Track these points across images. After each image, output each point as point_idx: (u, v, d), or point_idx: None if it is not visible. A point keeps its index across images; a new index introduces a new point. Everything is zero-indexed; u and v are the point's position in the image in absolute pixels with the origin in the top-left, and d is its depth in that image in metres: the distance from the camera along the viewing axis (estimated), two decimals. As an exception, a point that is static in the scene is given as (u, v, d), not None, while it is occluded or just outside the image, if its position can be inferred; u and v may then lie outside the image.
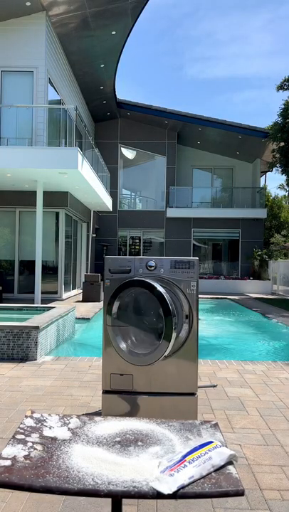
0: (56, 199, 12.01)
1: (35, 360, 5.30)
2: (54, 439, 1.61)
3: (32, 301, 10.47)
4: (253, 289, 17.74)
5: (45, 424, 1.72)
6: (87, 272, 16.23)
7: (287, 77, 14.60)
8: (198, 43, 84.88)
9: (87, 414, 3.05)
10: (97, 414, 3.46)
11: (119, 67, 14.93)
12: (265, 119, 65.54)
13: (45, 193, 11.08)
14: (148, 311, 3.06)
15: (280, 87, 14.80)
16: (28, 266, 12.39)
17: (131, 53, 67.27)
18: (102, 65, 14.67)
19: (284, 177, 16.60)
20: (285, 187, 28.31)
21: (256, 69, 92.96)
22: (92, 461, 1.44)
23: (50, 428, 1.69)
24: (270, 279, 18.61)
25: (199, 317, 3.16)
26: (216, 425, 1.75)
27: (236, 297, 15.20)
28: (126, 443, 1.59)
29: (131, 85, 65.94)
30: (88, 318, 9.29)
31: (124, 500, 2.16)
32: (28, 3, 10.88)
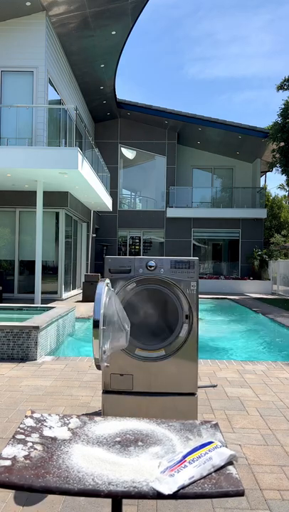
0: (56, 199, 12.01)
1: (35, 360, 5.30)
2: (54, 439, 1.60)
3: (32, 301, 10.47)
4: (253, 289, 17.74)
5: (45, 424, 1.72)
6: (87, 272, 16.22)
7: (287, 77, 14.59)
8: (198, 43, 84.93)
9: (87, 414, 3.05)
10: (97, 414, 3.46)
11: (119, 67, 14.93)
12: (265, 119, 65.57)
13: (45, 193, 11.08)
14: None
15: (280, 87, 14.79)
16: (28, 266, 12.38)
17: (131, 53, 67.46)
18: (102, 65, 14.67)
19: (284, 177, 16.61)
20: (285, 187, 28.35)
21: (256, 69, 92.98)
22: (92, 461, 1.44)
23: (50, 428, 1.69)
24: (270, 279, 18.61)
25: (199, 317, 3.16)
26: (216, 425, 1.74)
27: (236, 297, 15.20)
28: (126, 443, 1.59)
29: (131, 85, 66.07)
30: (88, 318, 9.29)
31: (125, 501, 2.16)
32: (28, 3, 10.88)
